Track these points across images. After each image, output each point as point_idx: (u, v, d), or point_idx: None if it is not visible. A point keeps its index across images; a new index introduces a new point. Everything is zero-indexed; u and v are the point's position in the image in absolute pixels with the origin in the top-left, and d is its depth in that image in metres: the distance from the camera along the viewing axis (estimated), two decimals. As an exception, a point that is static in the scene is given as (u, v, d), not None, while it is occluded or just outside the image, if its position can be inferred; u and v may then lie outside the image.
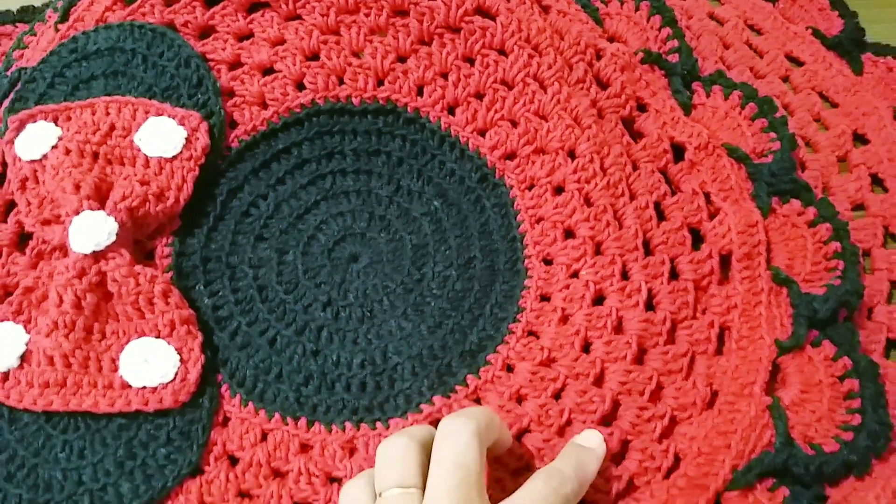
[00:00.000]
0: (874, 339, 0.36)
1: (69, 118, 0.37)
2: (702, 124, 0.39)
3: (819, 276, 0.36)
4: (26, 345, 0.33)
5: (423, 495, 0.26)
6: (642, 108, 0.39)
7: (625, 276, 0.36)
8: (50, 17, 0.42)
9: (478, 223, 0.38)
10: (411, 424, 0.33)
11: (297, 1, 0.40)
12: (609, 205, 0.36)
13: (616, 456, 0.32)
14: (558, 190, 0.38)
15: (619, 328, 0.35)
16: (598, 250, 0.36)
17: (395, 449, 0.28)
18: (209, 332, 0.35)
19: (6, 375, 0.33)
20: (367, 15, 0.40)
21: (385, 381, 0.35)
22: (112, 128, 0.37)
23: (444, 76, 0.39)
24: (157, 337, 0.34)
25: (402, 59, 0.40)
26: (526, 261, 0.37)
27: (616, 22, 0.42)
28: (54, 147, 0.36)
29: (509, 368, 0.35)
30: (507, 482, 0.32)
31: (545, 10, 0.41)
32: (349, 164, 0.39)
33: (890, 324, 0.36)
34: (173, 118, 0.37)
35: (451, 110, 0.39)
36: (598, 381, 0.34)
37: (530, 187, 0.38)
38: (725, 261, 0.36)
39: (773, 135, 0.39)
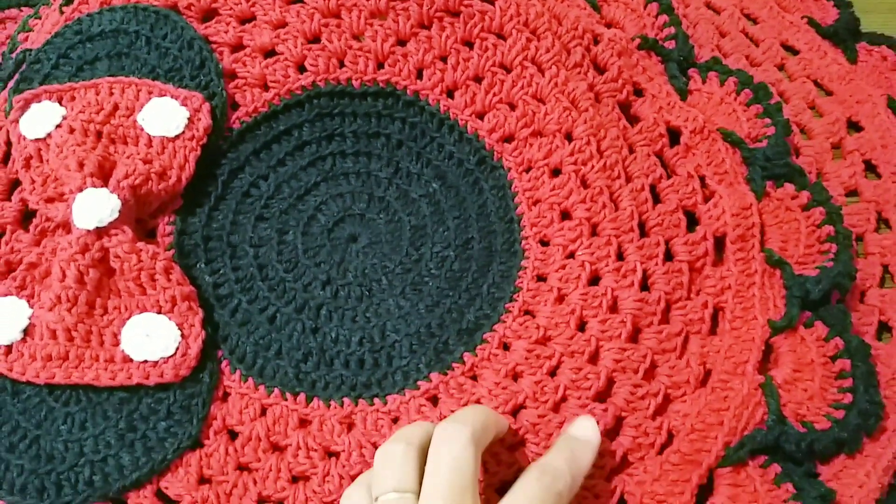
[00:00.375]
0: (866, 321, 0.37)
1: (73, 98, 0.38)
2: (697, 109, 0.39)
3: (812, 259, 0.36)
4: (29, 319, 0.34)
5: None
6: (639, 92, 0.40)
7: (620, 256, 0.36)
8: (55, 0, 0.42)
9: (476, 205, 0.39)
10: (409, 402, 0.34)
11: (298, -15, 0.41)
12: (605, 187, 0.37)
13: (610, 432, 0.33)
14: (555, 172, 0.38)
15: (614, 307, 0.35)
16: (594, 231, 0.37)
17: (393, 454, 0.28)
18: (210, 309, 0.36)
19: (9, 349, 0.33)
20: (367, -1, 0.40)
21: (383, 358, 0.35)
22: (116, 108, 0.37)
23: (444, 59, 0.40)
24: (159, 312, 0.34)
25: (401, 42, 0.40)
26: (523, 242, 0.37)
27: (613, 8, 0.42)
28: (58, 126, 0.37)
29: (506, 346, 0.35)
30: (502, 455, 0.32)
31: (543, -5, 0.42)
32: (349, 146, 0.40)
33: (882, 307, 0.37)
34: (176, 99, 0.38)
35: (450, 93, 0.40)
36: (593, 358, 0.34)
37: (528, 169, 0.38)
38: (720, 243, 0.37)
39: (767, 120, 0.39)
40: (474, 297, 0.36)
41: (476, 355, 0.35)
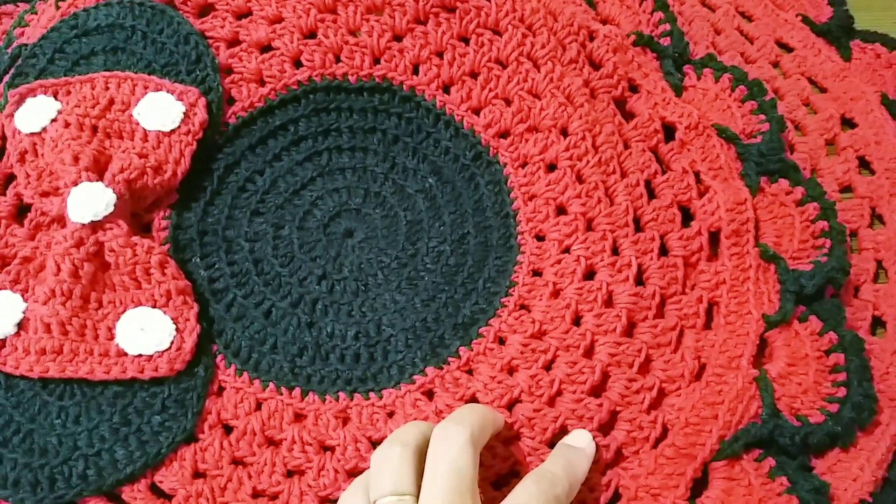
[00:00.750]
0: (860, 316, 0.37)
1: (69, 92, 0.37)
2: (692, 106, 0.40)
3: (806, 254, 0.37)
4: (23, 313, 0.34)
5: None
6: (634, 89, 0.40)
7: (615, 251, 0.36)
8: (51, -5, 0.42)
9: (471, 200, 0.39)
10: (404, 396, 0.34)
11: (295, -19, 0.41)
12: (600, 182, 0.37)
13: (605, 426, 0.33)
14: (551, 167, 0.38)
15: (609, 302, 0.35)
16: (589, 226, 0.37)
17: (390, 456, 0.28)
18: (205, 304, 0.36)
19: (3, 342, 0.33)
20: (363, -6, 0.41)
21: (379, 352, 0.35)
22: (111, 102, 0.37)
23: (440, 55, 0.40)
24: (154, 307, 0.34)
25: (398, 38, 0.40)
26: (518, 237, 0.37)
27: (609, 5, 0.42)
28: (54, 120, 0.37)
29: (501, 341, 0.35)
30: (498, 449, 0.32)
31: (539, -9, 0.42)
32: (345, 142, 0.40)
33: (875, 302, 0.37)
34: (172, 93, 0.38)
35: (446, 89, 0.40)
36: (588, 353, 0.34)
37: (523, 165, 0.38)
38: (714, 238, 0.37)
39: (762, 116, 0.39)
40: (470, 292, 0.36)
41: (471, 349, 0.35)
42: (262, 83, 0.40)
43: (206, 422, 0.33)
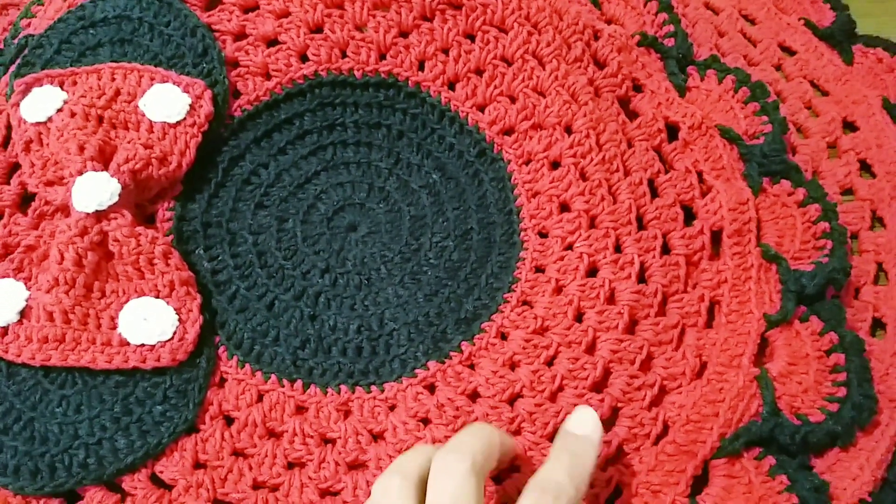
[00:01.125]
0: (860, 317, 0.37)
1: (75, 83, 0.38)
2: (696, 106, 0.40)
3: (808, 255, 0.37)
4: (26, 301, 0.33)
5: None
6: (638, 88, 0.40)
7: (618, 249, 0.36)
8: (57, -13, 0.42)
9: (475, 196, 0.39)
10: (406, 389, 0.34)
11: (302, -24, 0.41)
12: (604, 179, 0.37)
13: (606, 422, 0.33)
14: (555, 165, 0.38)
15: (611, 299, 0.35)
16: (592, 224, 0.37)
17: (389, 488, 0.26)
18: (208, 295, 0.36)
19: (5, 330, 0.33)
20: (370, -10, 0.41)
21: (381, 346, 0.35)
22: (117, 93, 0.37)
23: (445, 52, 0.40)
24: (157, 297, 0.34)
25: (404, 34, 0.40)
26: (522, 233, 0.37)
27: (613, 5, 0.43)
28: (59, 110, 0.37)
29: (503, 336, 0.35)
30: (499, 443, 0.32)
31: (545, -10, 0.42)
32: (350, 136, 0.40)
33: (876, 303, 0.37)
34: (178, 85, 0.38)
35: (451, 85, 0.40)
36: (590, 349, 0.34)
37: (527, 162, 0.39)
38: (716, 237, 0.37)
39: (764, 118, 0.39)
40: (473, 287, 0.37)
41: (474, 344, 0.35)
42: (268, 77, 0.40)
43: (208, 413, 0.33)
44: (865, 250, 0.39)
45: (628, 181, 0.37)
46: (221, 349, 0.35)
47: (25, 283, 0.34)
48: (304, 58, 0.40)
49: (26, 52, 0.39)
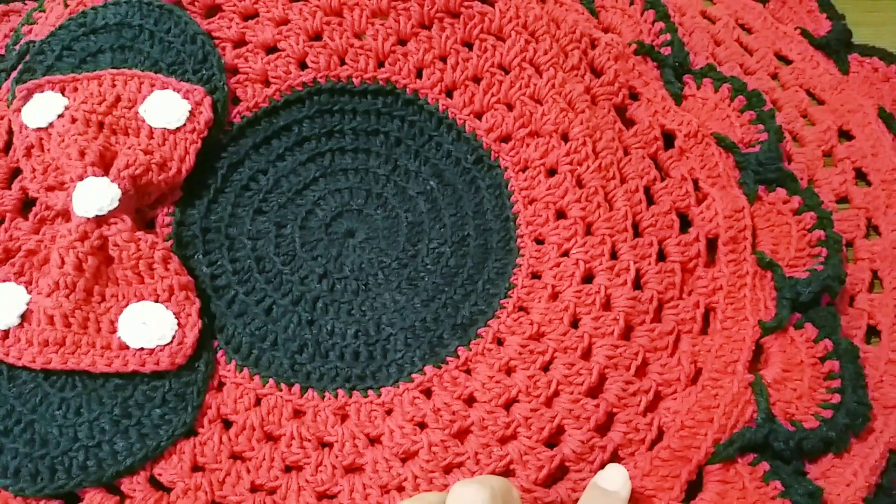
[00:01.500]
0: (855, 325, 0.37)
1: (76, 89, 0.38)
2: (692, 114, 0.40)
3: (803, 262, 0.37)
4: (27, 305, 0.34)
5: None
6: (634, 96, 0.41)
7: (614, 256, 0.37)
8: (59, -7, 0.43)
9: (472, 203, 0.39)
10: (403, 394, 0.34)
11: (302, -16, 0.41)
12: (600, 187, 0.38)
13: (601, 427, 0.33)
14: (551, 172, 0.39)
15: (607, 305, 0.35)
16: (588, 231, 0.37)
17: None
18: (207, 300, 0.36)
19: (6, 333, 0.33)
20: (369, -2, 0.41)
21: (378, 351, 0.35)
22: (118, 99, 0.38)
23: (443, 59, 0.40)
24: (156, 301, 0.34)
25: (402, 41, 0.41)
26: (518, 240, 0.38)
27: (611, 14, 0.43)
28: (60, 116, 0.37)
29: (499, 342, 0.35)
30: (493, 448, 0.32)
31: (542, -1, 0.42)
32: (348, 143, 0.40)
33: (871, 311, 0.37)
34: (178, 92, 0.38)
35: (448, 93, 0.40)
36: (586, 355, 0.34)
37: (524, 169, 0.39)
38: (712, 244, 0.37)
39: (760, 126, 0.40)
40: (469, 293, 0.37)
41: (470, 349, 0.35)
42: (267, 84, 0.40)
43: (206, 416, 0.33)
44: (861, 258, 0.39)
45: (624, 188, 0.38)
46: (220, 353, 0.35)
47: (26, 287, 0.34)
48: (303, 65, 0.41)
49: (28, 58, 0.40)
